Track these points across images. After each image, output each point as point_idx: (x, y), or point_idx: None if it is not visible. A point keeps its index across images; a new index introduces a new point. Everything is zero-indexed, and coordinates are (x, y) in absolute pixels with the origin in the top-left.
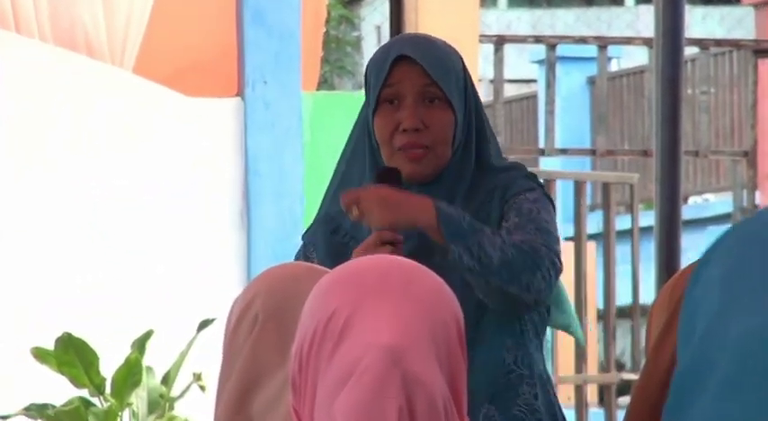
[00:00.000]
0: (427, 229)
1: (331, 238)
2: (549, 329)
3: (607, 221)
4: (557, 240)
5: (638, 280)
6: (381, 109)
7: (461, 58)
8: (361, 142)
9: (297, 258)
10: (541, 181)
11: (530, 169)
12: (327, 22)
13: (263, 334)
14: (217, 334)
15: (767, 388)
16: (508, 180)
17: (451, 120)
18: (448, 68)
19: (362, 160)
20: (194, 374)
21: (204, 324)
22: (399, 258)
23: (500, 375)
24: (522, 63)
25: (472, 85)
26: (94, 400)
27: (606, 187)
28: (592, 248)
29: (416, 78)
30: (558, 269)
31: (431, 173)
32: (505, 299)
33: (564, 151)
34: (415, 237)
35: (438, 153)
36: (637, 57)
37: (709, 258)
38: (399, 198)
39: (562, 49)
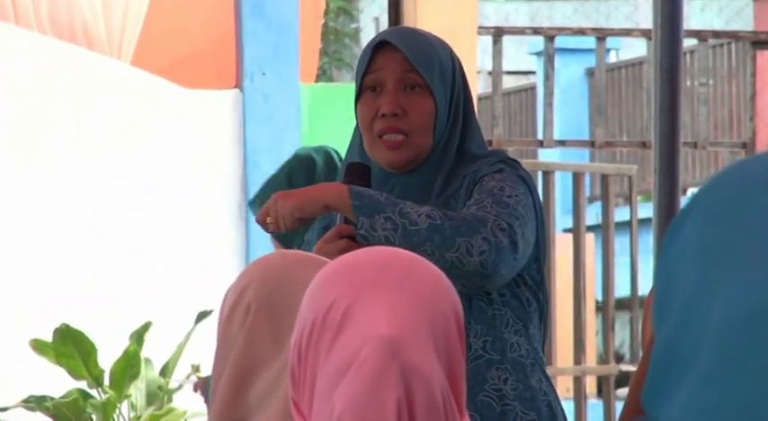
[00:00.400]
0: (339, 208)
1: (323, 234)
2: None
3: (606, 213)
4: (517, 215)
5: (637, 271)
6: (364, 96)
7: (450, 50)
8: (354, 133)
9: None
10: (520, 165)
11: (528, 161)
12: (326, 13)
13: (256, 323)
14: (215, 325)
15: (755, 375)
16: (481, 166)
17: (432, 108)
18: (430, 56)
19: (355, 151)
20: (192, 366)
21: (202, 315)
22: (398, 250)
23: (467, 361)
24: (520, 55)
25: (462, 77)
26: (93, 392)
27: (605, 179)
28: (590, 240)
29: (397, 65)
30: (512, 239)
31: (410, 161)
32: (453, 272)
33: (562, 143)
34: None
35: (416, 140)
36: (635, 48)
37: (686, 218)
38: (303, 188)
39: (561, 41)
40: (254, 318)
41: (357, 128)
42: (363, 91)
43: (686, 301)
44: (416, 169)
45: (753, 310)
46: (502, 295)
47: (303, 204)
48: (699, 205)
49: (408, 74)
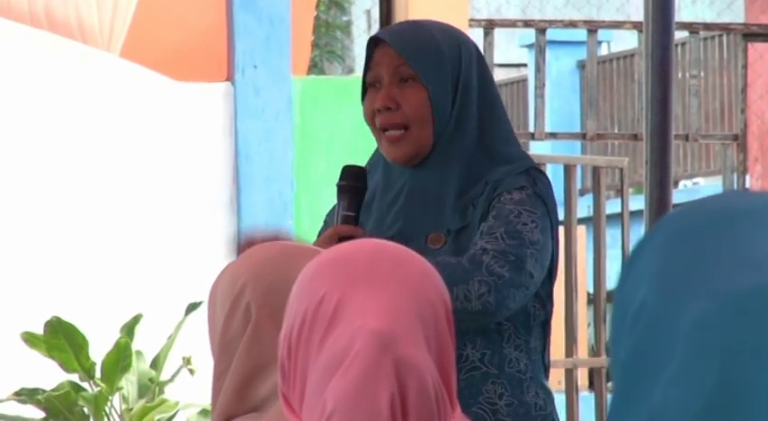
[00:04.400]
0: None
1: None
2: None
3: (597, 205)
4: (530, 243)
5: None
6: (367, 93)
7: (460, 39)
8: None
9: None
10: (543, 177)
11: None
12: (317, 6)
13: (260, 322)
14: (205, 317)
15: (725, 366)
16: (504, 175)
17: (424, 98)
18: (423, 46)
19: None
20: (184, 358)
21: (192, 307)
22: (386, 242)
23: (461, 371)
24: (511, 47)
25: (479, 66)
26: (85, 385)
27: (596, 171)
28: (582, 232)
29: (390, 59)
30: (519, 269)
31: (413, 155)
32: (460, 316)
33: (554, 135)
34: (400, 221)
35: (415, 133)
36: (627, 41)
37: (639, 254)
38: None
39: (552, 34)
40: (258, 317)
41: None
42: (367, 88)
43: (647, 320)
44: (424, 162)
45: (723, 307)
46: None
47: None
48: (655, 237)
49: (400, 67)
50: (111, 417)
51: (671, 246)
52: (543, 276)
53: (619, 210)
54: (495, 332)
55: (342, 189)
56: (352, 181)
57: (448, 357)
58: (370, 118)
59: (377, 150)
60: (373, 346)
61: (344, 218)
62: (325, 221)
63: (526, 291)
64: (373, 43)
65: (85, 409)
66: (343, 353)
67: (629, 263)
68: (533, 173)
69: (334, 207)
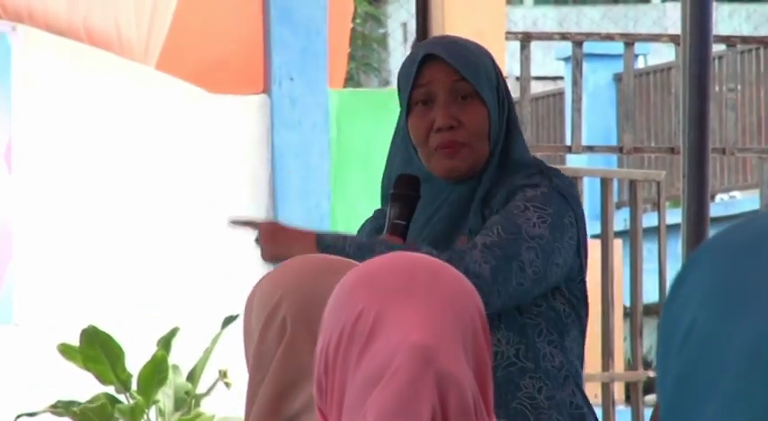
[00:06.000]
0: None
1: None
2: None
3: (634, 219)
4: (526, 237)
5: (665, 277)
6: (415, 110)
7: (492, 58)
8: (397, 144)
9: None
10: (559, 174)
11: (556, 166)
12: (353, 18)
13: (295, 337)
14: (241, 330)
15: None
16: (521, 178)
17: (485, 116)
18: (477, 65)
19: (400, 163)
20: (220, 371)
21: (228, 320)
22: (422, 256)
23: (498, 368)
24: (548, 60)
25: (504, 85)
26: (121, 397)
27: (633, 184)
28: (618, 246)
29: (446, 76)
30: (501, 267)
31: (468, 169)
32: None
33: (590, 148)
34: (428, 226)
35: (475, 148)
36: (664, 54)
37: (686, 274)
38: (279, 232)
39: (588, 47)
40: (293, 332)
41: (395, 141)
42: (413, 105)
43: (699, 339)
44: (473, 178)
45: None
46: (537, 306)
47: (278, 253)
48: (703, 257)
49: (458, 84)
50: None
51: (719, 266)
52: (558, 273)
53: (655, 223)
54: (528, 327)
55: (395, 197)
56: (407, 189)
57: (485, 370)
58: (425, 136)
59: (386, 173)
60: (414, 360)
61: (394, 226)
62: (363, 225)
63: (520, 286)
64: (422, 59)
65: None
66: (384, 367)
67: (676, 283)
68: (549, 171)
69: (375, 212)
